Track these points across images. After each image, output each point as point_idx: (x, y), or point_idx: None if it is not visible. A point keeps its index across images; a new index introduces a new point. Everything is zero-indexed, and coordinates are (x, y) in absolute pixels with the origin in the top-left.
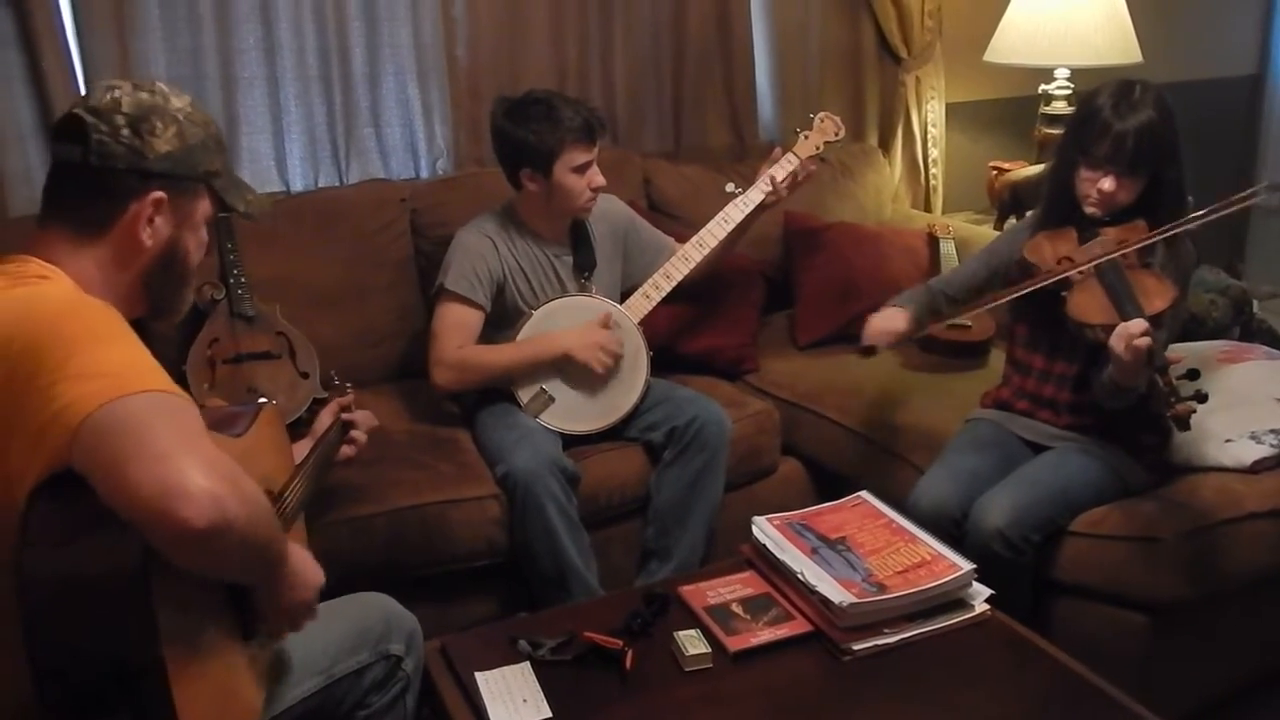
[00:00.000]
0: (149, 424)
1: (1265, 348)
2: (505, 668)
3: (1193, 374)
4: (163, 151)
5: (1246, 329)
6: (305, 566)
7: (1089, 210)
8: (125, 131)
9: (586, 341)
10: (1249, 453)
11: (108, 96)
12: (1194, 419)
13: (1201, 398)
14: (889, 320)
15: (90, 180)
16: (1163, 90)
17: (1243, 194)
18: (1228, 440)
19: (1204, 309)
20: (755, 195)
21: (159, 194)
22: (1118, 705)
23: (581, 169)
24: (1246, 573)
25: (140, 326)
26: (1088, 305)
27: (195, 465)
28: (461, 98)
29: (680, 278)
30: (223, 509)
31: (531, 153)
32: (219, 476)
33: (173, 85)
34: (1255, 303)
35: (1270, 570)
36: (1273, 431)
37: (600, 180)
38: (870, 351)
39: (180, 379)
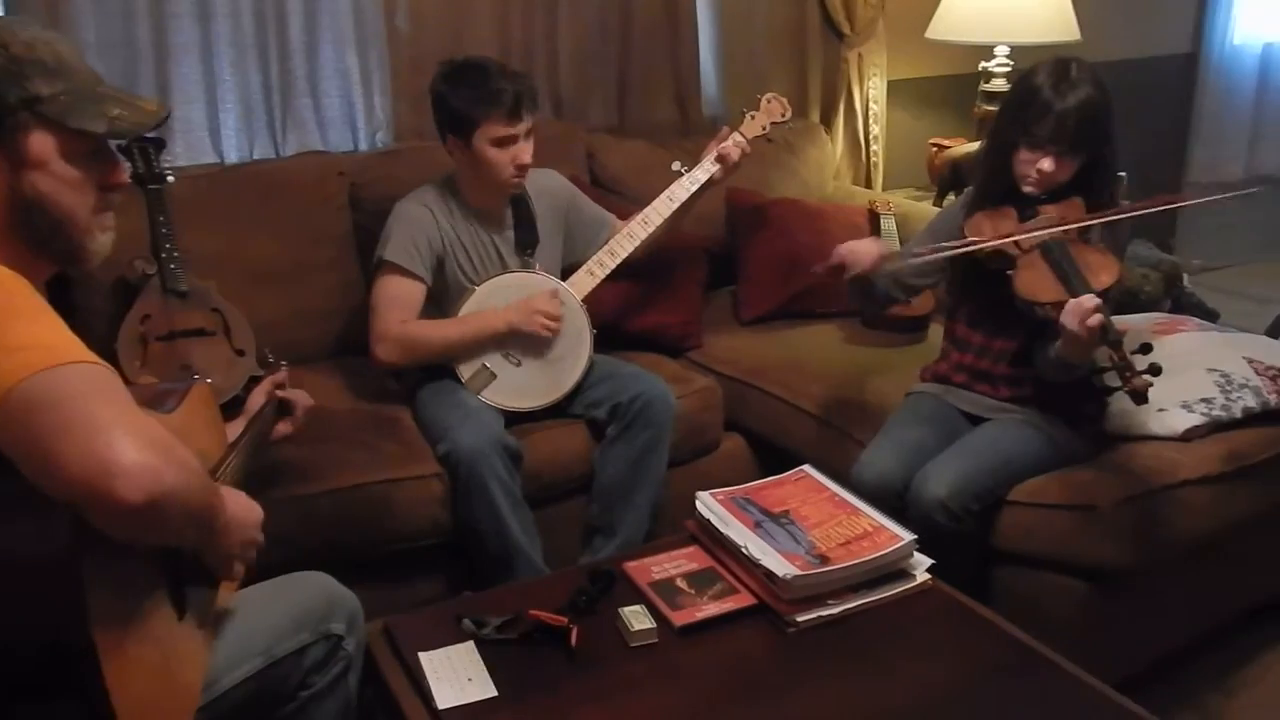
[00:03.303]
0: (73, 397)
1: (1196, 320)
2: (450, 647)
3: (1145, 347)
4: None
5: (1178, 302)
6: (241, 507)
7: (1027, 190)
8: None
9: (528, 311)
10: (1181, 421)
11: None
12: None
13: (1156, 370)
14: (865, 244)
15: None
16: (1097, 68)
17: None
18: (1161, 409)
19: (1137, 283)
20: (701, 174)
21: None
22: (1059, 669)
23: (502, 143)
24: (1183, 538)
25: (68, 301)
26: (1036, 283)
27: (126, 438)
28: (402, 68)
29: (625, 255)
30: (160, 481)
31: (456, 119)
32: (152, 448)
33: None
34: (1186, 277)
35: (1206, 535)
36: (1204, 400)
37: (525, 158)
38: (836, 273)
39: (111, 356)
